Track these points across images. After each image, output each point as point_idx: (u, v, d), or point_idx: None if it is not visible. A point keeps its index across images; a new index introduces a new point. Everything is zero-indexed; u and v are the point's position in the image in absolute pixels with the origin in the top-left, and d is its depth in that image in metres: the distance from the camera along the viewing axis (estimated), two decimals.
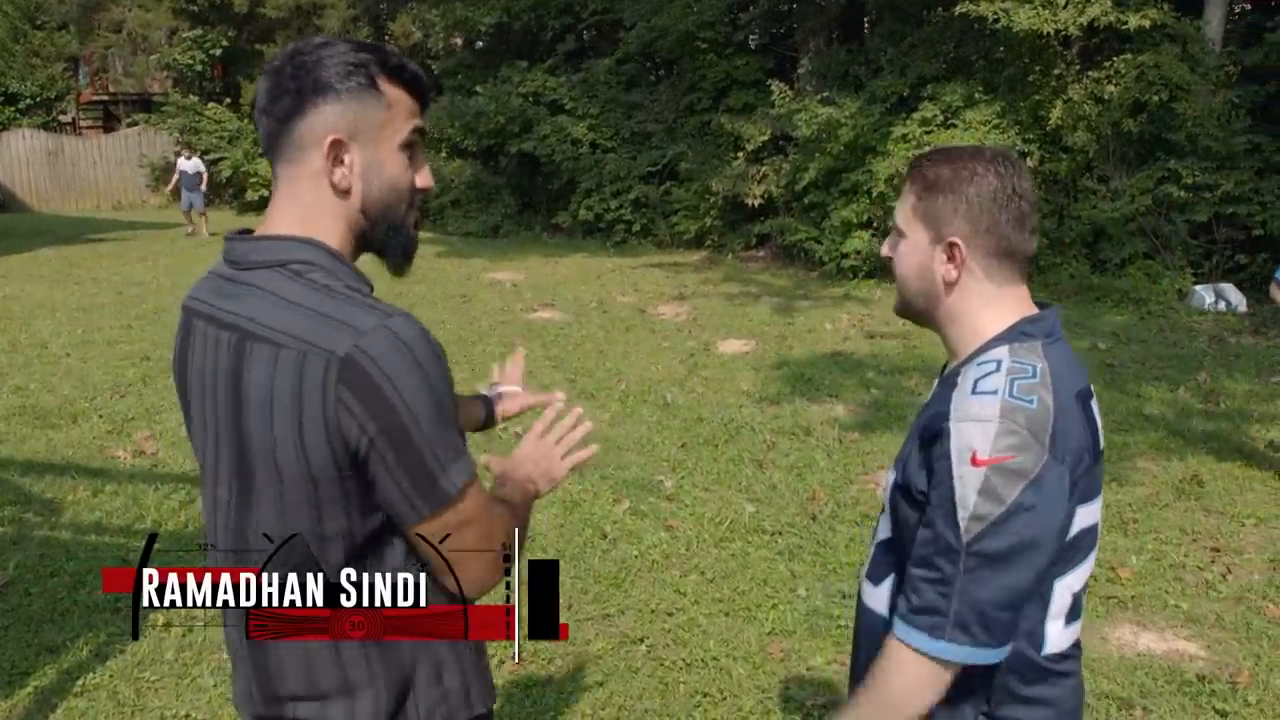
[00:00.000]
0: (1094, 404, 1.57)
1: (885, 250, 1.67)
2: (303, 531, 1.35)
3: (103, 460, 6.11)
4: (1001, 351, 1.51)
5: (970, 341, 1.58)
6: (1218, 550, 4.81)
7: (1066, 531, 1.48)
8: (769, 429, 6.73)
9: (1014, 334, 1.54)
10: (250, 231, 1.43)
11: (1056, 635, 1.55)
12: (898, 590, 1.57)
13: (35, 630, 4.04)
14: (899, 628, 1.48)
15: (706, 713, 3.53)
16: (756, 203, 15.05)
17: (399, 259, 1.51)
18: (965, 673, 1.48)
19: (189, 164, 19.36)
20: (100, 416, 6.96)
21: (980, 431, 1.42)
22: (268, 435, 1.32)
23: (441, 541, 1.36)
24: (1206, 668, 3.82)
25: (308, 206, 1.39)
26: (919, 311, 1.65)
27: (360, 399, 1.26)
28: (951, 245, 1.55)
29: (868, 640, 1.66)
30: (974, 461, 1.42)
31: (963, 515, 1.42)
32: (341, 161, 1.37)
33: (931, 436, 1.50)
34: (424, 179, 1.48)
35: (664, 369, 8.47)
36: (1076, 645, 1.62)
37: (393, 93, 1.41)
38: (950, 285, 1.58)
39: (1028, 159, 12.18)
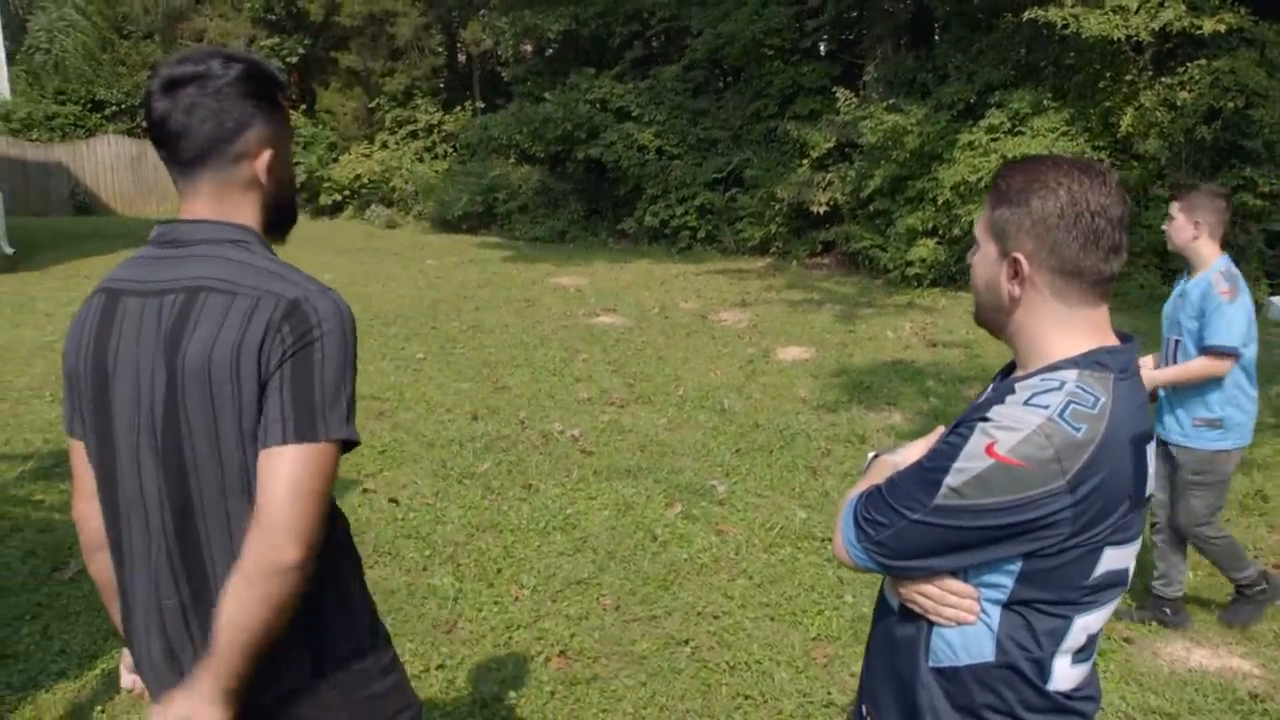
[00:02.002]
0: (1150, 448, 1.53)
1: (968, 257, 1.65)
2: (232, 436, 1.55)
3: None
4: (1070, 374, 1.48)
5: (1037, 361, 1.55)
6: None
7: (1002, 547, 1.47)
8: (824, 436, 6.74)
9: (1088, 361, 1.49)
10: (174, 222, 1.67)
11: (1063, 672, 1.53)
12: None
13: (104, 616, 4.20)
14: (847, 513, 1.61)
15: (747, 715, 3.57)
16: (821, 210, 15.00)
17: (285, 231, 1.78)
18: (973, 683, 1.54)
19: None
20: None
21: (1010, 435, 1.43)
22: (204, 363, 1.52)
23: (279, 472, 1.51)
24: (1260, 686, 3.76)
25: (235, 205, 1.65)
26: (990, 324, 1.64)
27: (293, 331, 1.52)
28: (1015, 261, 1.52)
29: (879, 634, 1.71)
30: (988, 450, 1.43)
31: (948, 482, 1.46)
32: (271, 170, 1.66)
33: (959, 424, 1.52)
34: None
35: (722, 375, 8.50)
36: (1091, 687, 1.60)
37: (286, 105, 1.72)
38: (1015, 301, 1.55)
39: None
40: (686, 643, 4.05)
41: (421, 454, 6.32)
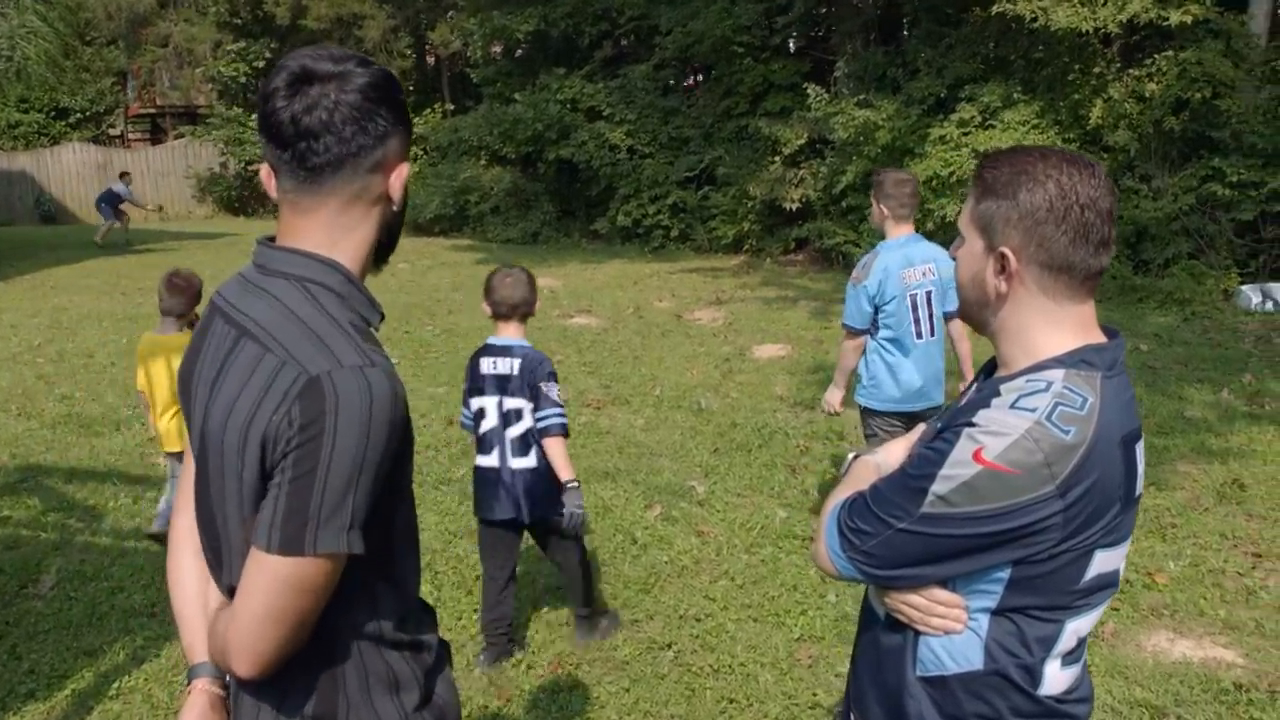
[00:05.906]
0: (1139, 447, 1.49)
1: (951, 250, 1.59)
2: (235, 513, 1.40)
3: (144, 467, 6.22)
4: (1057, 374, 1.43)
5: (1022, 359, 1.49)
6: (1259, 556, 4.72)
7: (992, 555, 1.43)
8: (803, 434, 6.71)
9: (1075, 360, 1.45)
10: (274, 238, 1.47)
11: (1054, 675, 1.50)
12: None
13: (75, 634, 4.12)
14: (830, 521, 1.54)
15: (732, 719, 3.52)
16: (794, 206, 15.03)
17: (386, 259, 1.56)
18: (961, 692, 1.50)
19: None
20: (142, 424, 7.06)
21: (998, 440, 1.38)
22: (222, 425, 1.37)
23: (256, 581, 1.32)
24: (1244, 676, 3.75)
25: (353, 226, 1.44)
26: (974, 320, 1.58)
27: (303, 415, 1.29)
28: (1002, 256, 1.46)
29: (866, 643, 1.67)
30: (976, 456, 1.38)
31: (934, 489, 1.41)
32: (399, 181, 1.46)
33: (944, 429, 1.47)
34: None
35: (699, 374, 8.46)
36: (1083, 688, 1.57)
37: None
38: (1002, 297, 1.49)
39: None
40: (669, 646, 4.00)
41: None
